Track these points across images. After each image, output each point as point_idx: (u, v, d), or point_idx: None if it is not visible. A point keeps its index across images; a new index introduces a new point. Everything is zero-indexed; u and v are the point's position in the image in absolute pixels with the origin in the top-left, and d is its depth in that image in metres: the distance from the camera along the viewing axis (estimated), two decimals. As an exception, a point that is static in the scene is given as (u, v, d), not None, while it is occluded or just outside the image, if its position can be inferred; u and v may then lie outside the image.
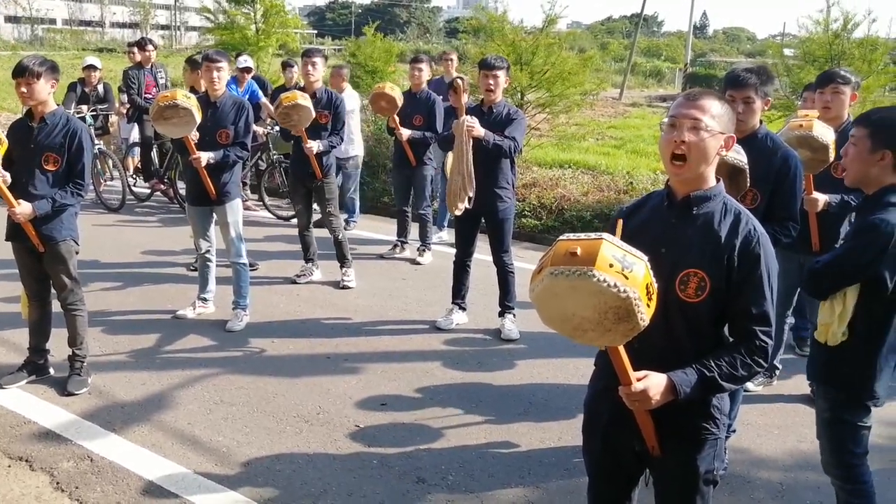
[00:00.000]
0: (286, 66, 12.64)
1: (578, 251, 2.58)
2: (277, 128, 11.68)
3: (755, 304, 2.98)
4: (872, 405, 3.97)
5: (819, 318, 3.97)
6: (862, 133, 3.86)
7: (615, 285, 2.53)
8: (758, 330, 2.99)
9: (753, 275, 2.98)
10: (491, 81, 7.09)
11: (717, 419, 3.15)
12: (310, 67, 8.54)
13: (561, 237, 2.72)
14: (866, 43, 13.16)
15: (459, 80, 7.87)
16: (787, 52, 15.71)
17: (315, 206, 9.01)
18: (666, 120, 3.08)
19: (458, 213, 7.13)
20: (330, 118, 8.62)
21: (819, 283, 3.94)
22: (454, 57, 11.85)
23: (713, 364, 2.96)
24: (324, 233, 9.39)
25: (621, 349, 2.81)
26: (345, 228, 9.55)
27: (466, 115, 6.94)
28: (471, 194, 7.01)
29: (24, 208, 5.74)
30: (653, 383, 2.91)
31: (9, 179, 5.78)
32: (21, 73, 5.69)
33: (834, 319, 3.85)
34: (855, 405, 3.96)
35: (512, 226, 7.60)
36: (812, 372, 4.19)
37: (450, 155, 7.58)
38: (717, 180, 3.12)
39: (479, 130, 6.85)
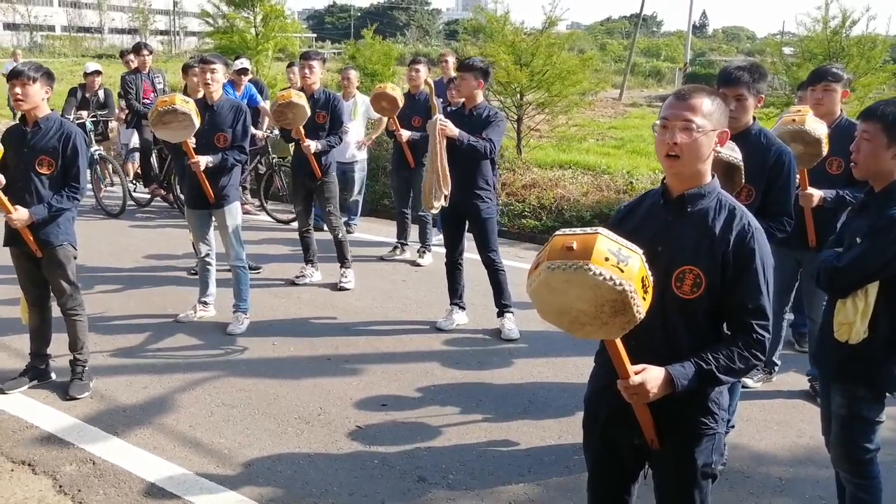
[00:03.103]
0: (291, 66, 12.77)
1: (574, 245, 2.60)
2: (277, 131, 11.75)
3: (751, 298, 3.00)
4: None
5: (839, 317, 3.94)
6: (876, 127, 3.84)
7: (611, 278, 2.55)
8: (755, 323, 3.00)
9: (749, 269, 3.00)
10: (459, 82, 7.36)
11: (716, 413, 3.16)
12: (307, 71, 8.63)
13: (557, 232, 2.74)
14: (865, 40, 13.17)
15: (431, 81, 7.92)
16: (786, 50, 15.69)
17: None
18: (658, 122, 3.09)
19: (434, 211, 7.28)
20: (327, 118, 8.67)
21: (841, 281, 3.91)
22: (450, 58, 11.85)
23: (711, 357, 2.98)
24: (324, 234, 9.41)
25: (619, 343, 2.83)
26: (346, 231, 9.56)
27: (445, 116, 7.04)
28: (445, 192, 7.09)
29: (20, 214, 5.74)
30: (651, 376, 2.93)
31: (2, 181, 5.77)
32: (17, 75, 5.70)
33: (857, 317, 3.83)
34: (875, 401, 3.95)
35: (496, 225, 7.63)
36: (827, 370, 4.17)
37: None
38: (713, 176, 3.14)
39: (453, 130, 6.96)
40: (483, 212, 7.36)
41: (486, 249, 7.48)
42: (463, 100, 7.45)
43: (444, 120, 6.98)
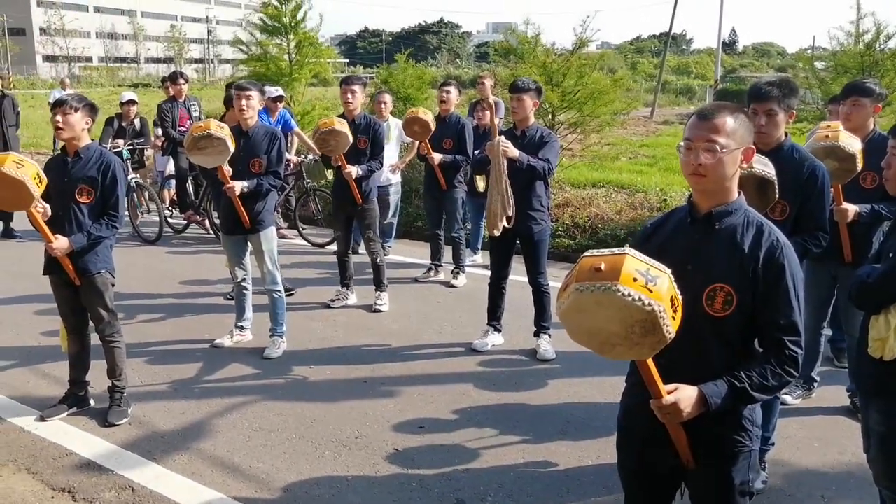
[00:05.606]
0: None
1: (602, 266, 2.62)
2: (311, 157, 11.84)
3: (782, 314, 2.99)
4: None
5: (872, 333, 3.89)
6: None
7: (640, 299, 2.56)
8: (787, 339, 2.99)
9: (779, 285, 2.99)
10: (515, 104, 7.18)
11: (750, 431, 3.15)
12: (348, 96, 8.67)
13: (585, 253, 2.75)
14: (899, 55, 13.03)
15: (485, 102, 7.90)
16: (818, 65, 15.56)
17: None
18: (682, 143, 3.10)
19: (497, 233, 7.16)
20: (368, 143, 8.72)
21: (873, 296, 3.88)
22: (488, 80, 11.87)
23: (743, 375, 2.97)
24: (359, 257, 9.45)
25: (650, 362, 2.83)
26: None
27: (501, 137, 6.98)
28: (510, 213, 7.06)
29: (60, 243, 5.81)
30: (684, 396, 2.92)
31: (49, 212, 5.86)
32: (60, 104, 5.84)
33: (890, 333, 3.79)
34: None
35: (547, 247, 7.62)
36: (863, 386, 4.14)
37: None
38: (739, 193, 3.14)
39: (514, 151, 6.92)
40: (536, 234, 7.35)
41: (535, 272, 7.49)
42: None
43: (505, 141, 6.94)
